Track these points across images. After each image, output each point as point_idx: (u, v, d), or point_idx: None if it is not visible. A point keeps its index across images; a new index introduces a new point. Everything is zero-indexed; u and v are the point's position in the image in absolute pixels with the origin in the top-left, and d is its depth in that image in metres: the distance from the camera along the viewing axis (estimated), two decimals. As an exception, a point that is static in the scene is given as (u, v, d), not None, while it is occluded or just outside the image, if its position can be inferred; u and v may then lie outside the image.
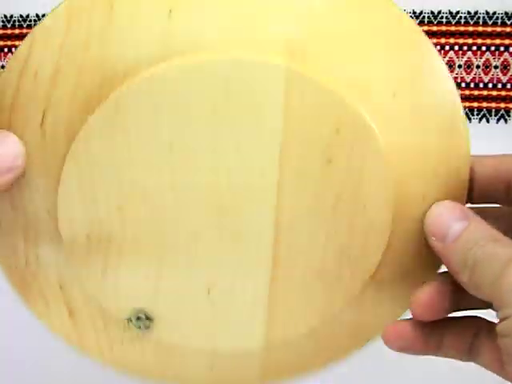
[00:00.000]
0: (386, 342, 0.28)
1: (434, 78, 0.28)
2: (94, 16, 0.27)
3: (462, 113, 0.28)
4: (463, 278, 0.24)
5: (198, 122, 0.28)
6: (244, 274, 0.30)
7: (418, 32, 0.29)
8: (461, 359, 0.29)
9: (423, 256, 0.29)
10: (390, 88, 0.28)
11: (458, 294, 0.27)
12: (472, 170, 0.28)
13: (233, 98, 0.27)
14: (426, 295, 0.27)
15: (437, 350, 0.29)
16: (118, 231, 0.29)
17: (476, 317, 0.29)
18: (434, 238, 0.26)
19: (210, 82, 0.27)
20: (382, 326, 0.30)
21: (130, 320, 0.31)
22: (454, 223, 0.25)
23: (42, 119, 0.28)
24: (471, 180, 0.28)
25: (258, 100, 0.27)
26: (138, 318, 0.31)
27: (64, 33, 0.27)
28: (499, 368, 0.26)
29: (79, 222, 0.29)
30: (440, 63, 0.28)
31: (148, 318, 0.31)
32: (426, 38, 0.29)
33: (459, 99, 0.28)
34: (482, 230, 0.24)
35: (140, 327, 0.31)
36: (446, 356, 0.29)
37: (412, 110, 0.28)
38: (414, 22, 0.29)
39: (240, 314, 0.31)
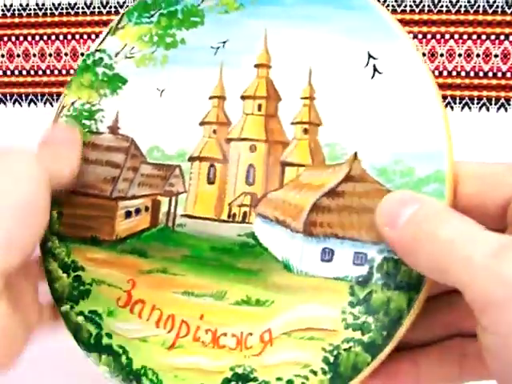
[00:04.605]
0: None
1: None
2: None
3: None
4: (421, 257, 0.22)
5: None
6: None
7: None
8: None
9: None
10: None
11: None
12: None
13: None
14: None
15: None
16: None
17: (459, 337, 0.28)
18: (386, 228, 0.23)
19: None
20: None
21: None
22: (403, 209, 0.23)
23: None
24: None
25: None
26: None
27: None
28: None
29: None
30: None
31: None
32: None
33: None
34: (435, 207, 0.23)
35: None
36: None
37: None
38: None
39: None
